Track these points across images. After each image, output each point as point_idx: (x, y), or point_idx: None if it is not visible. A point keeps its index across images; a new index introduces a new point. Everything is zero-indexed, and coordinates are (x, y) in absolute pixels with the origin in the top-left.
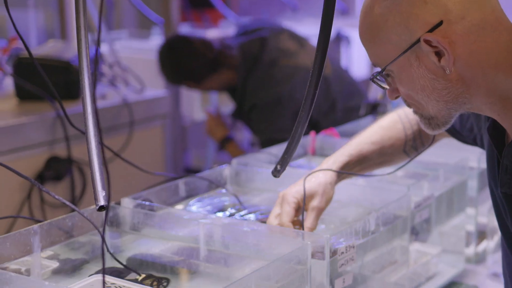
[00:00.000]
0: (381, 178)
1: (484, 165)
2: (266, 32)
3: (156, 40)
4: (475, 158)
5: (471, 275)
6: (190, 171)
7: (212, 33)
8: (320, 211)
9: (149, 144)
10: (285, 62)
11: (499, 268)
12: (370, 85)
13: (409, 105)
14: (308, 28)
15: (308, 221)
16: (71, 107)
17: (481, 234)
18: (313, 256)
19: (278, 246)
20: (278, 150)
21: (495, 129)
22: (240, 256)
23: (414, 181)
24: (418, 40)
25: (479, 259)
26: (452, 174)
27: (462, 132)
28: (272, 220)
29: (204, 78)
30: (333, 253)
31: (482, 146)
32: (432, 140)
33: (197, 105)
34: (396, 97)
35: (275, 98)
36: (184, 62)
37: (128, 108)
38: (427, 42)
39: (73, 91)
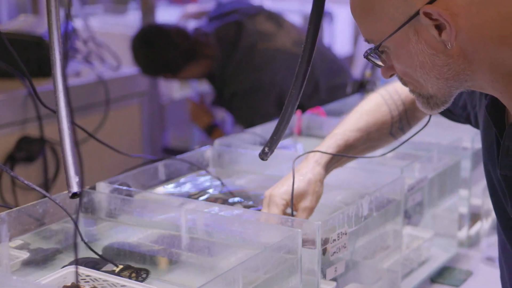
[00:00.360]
0: (371, 160)
1: (478, 145)
2: (241, 15)
3: (133, 15)
4: (468, 138)
5: (464, 259)
6: (169, 151)
7: (191, 8)
8: (311, 211)
9: (126, 124)
10: (264, 46)
11: (493, 252)
12: (354, 62)
13: (405, 84)
14: (289, 4)
15: None
16: (44, 85)
17: (474, 217)
18: (303, 245)
19: (265, 234)
20: (262, 130)
21: (494, 107)
22: (225, 244)
23: (407, 162)
24: (417, 13)
25: (472, 242)
26: (445, 155)
27: (454, 110)
28: None
29: (181, 68)
30: (325, 241)
31: (476, 125)
32: (429, 120)
33: (175, 83)
34: (391, 76)
35: (256, 84)
36: (159, 54)
37: (104, 85)
38: (427, 14)
39: (45, 68)
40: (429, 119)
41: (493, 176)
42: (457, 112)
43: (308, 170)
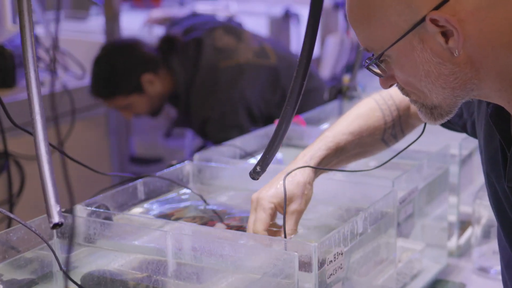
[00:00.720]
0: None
1: (465, 151)
2: (199, 31)
3: (95, 21)
4: (456, 144)
5: (455, 270)
6: (136, 160)
7: (156, 14)
8: (300, 214)
9: (93, 133)
10: (226, 64)
11: (485, 262)
12: (321, 64)
13: (407, 94)
14: (255, 7)
15: (288, 226)
16: (8, 96)
17: (463, 225)
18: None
19: (259, 258)
20: (241, 142)
21: (498, 116)
22: (215, 269)
23: (397, 174)
24: (422, 20)
25: (462, 252)
26: (433, 163)
27: (451, 118)
28: (250, 229)
29: (158, 68)
30: (321, 263)
31: (472, 133)
32: (423, 130)
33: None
34: (390, 86)
35: (226, 106)
36: (121, 69)
37: (69, 95)
38: (434, 21)
39: (8, 79)
40: (424, 129)
41: (497, 187)
42: (453, 120)
43: (298, 172)
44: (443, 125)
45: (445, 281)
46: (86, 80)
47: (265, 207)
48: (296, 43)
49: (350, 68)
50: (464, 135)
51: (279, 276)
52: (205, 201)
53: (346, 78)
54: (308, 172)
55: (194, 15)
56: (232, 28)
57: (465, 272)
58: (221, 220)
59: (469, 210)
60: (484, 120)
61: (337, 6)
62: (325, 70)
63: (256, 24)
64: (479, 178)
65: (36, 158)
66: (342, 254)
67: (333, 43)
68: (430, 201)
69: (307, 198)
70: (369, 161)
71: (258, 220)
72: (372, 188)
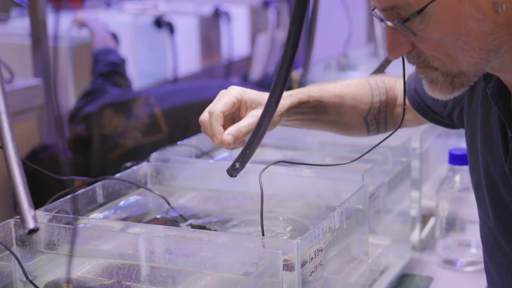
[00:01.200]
0: (322, 162)
1: (425, 145)
2: (92, 117)
3: (18, 22)
4: (417, 138)
5: (420, 264)
6: None
7: (81, 15)
8: None
9: (26, 140)
10: (114, 155)
11: (450, 255)
12: (252, 63)
13: (426, 62)
14: (184, 7)
15: (242, 122)
16: None
17: (424, 219)
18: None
19: (235, 256)
20: (197, 141)
21: (501, 96)
22: (192, 272)
23: (366, 168)
24: None
25: (424, 245)
26: (396, 157)
27: (435, 108)
28: (207, 110)
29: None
30: (302, 260)
31: (459, 122)
32: (401, 123)
33: (71, 92)
34: (400, 55)
35: None
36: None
37: None
38: None
39: None
40: (402, 120)
41: (493, 171)
42: (438, 110)
43: None
44: (429, 116)
45: (412, 275)
46: (15, 84)
47: (231, 94)
48: (226, 41)
49: None
50: (423, 127)
51: (265, 276)
52: (168, 203)
53: (294, 74)
54: (283, 103)
55: (89, 93)
56: (121, 103)
57: (430, 266)
58: (185, 222)
59: (429, 203)
60: (480, 104)
61: (266, 4)
62: (257, 70)
63: (186, 24)
64: (437, 171)
65: (5, 159)
66: (321, 250)
67: (264, 42)
68: (393, 196)
69: (273, 123)
70: (325, 158)
71: (219, 101)
72: (341, 183)
